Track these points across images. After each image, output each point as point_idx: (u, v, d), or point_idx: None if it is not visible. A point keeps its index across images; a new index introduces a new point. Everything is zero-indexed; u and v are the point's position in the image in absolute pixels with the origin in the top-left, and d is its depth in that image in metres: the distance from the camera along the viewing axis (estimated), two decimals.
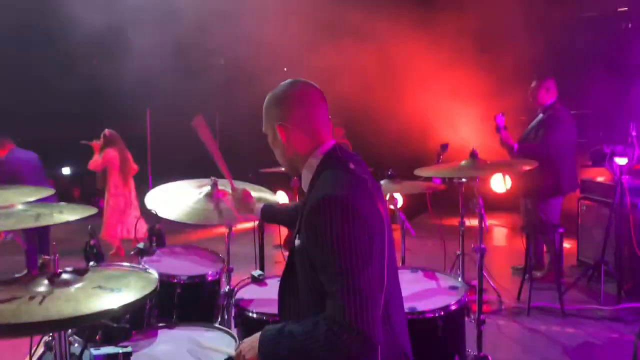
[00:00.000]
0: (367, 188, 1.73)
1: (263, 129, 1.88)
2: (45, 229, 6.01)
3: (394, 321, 1.74)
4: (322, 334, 1.53)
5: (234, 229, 3.02)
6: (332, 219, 1.57)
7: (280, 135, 1.79)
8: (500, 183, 8.34)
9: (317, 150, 1.78)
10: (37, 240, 6.13)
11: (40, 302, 1.61)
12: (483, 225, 3.57)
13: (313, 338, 1.55)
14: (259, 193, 2.96)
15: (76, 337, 2.29)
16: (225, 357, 2.07)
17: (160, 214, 2.77)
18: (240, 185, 2.84)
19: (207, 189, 2.91)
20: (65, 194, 9.75)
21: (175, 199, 2.87)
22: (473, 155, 3.69)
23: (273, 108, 1.82)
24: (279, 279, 2.75)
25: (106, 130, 6.99)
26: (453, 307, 2.51)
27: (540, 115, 5.33)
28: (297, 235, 1.75)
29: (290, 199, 7.55)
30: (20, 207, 2.51)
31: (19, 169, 6.08)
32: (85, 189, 10.45)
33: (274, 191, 3.28)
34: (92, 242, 2.43)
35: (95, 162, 6.81)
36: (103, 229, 6.84)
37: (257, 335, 1.73)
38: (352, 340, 1.50)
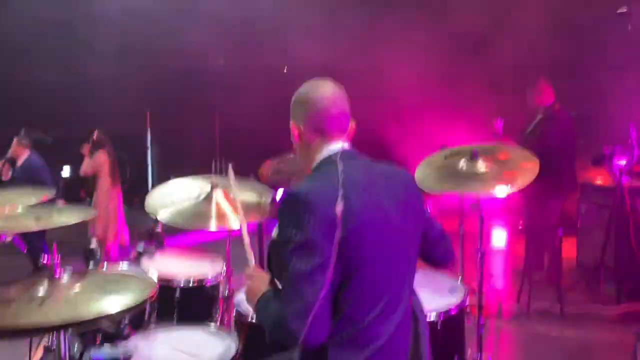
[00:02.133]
0: (337, 189, 1.69)
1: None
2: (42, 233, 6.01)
3: (364, 324, 1.70)
4: (273, 314, 1.67)
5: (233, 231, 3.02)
6: (287, 212, 1.68)
7: (294, 133, 1.87)
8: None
9: (323, 151, 1.81)
10: (32, 241, 6.12)
11: (40, 305, 1.61)
12: (483, 227, 3.56)
13: (268, 313, 1.71)
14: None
15: (76, 339, 2.29)
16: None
17: (159, 218, 2.78)
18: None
19: (207, 190, 2.92)
20: (65, 195, 9.73)
21: (174, 202, 2.87)
22: (473, 156, 3.67)
23: (291, 107, 1.89)
24: None
25: (95, 132, 6.92)
26: (453, 310, 2.51)
27: (539, 117, 5.33)
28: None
29: None
30: (20, 209, 2.51)
31: (41, 172, 6.17)
32: (86, 190, 10.42)
33: (274, 191, 3.28)
34: (92, 245, 2.43)
35: (87, 166, 6.77)
36: (93, 233, 6.80)
37: (264, 282, 1.83)
38: (281, 333, 1.63)
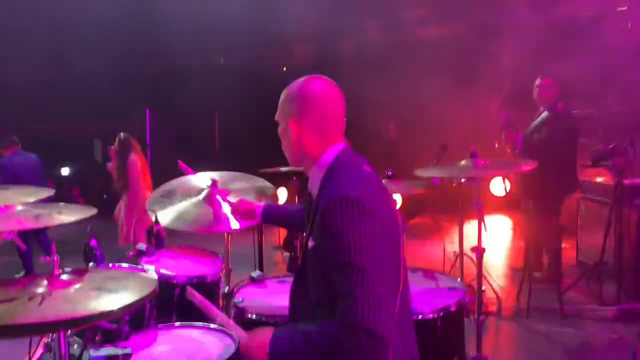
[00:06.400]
0: (382, 188, 1.75)
1: (275, 117, 1.87)
2: (42, 229, 6.05)
3: (404, 323, 1.74)
4: (336, 334, 1.53)
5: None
6: (347, 219, 1.57)
7: (292, 130, 1.79)
8: (499, 185, 8.35)
9: (327, 150, 1.78)
10: (35, 241, 6.18)
11: (40, 303, 1.61)
12: (482, 226, 3.56)
13: (327, 338, 1.55)
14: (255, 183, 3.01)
15: (76, 338, 2.29)
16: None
17: (160, 220, 2.79)
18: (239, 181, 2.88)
19: (207, 190, 2.93)
20: (64, 194, 9.75)
21: (174, 204, 2.89)
22: (472, 155, 3.68)
23: (289, 102, 1.81)
24: (278, 279, 2.77)
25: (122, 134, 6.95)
26: (452, 308, 2.51)
27: (544, 114, 5.33)
28: (310, 237, 1.73)
29: (289, 197, 7.57)
30: (19, 207, 2.51)
31: (19, 171, 6.19)
32: (84, 189, 10.43)
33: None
34: (91, 244, 2.43)
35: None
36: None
37: (267, 331, 1.71)
38: (365, 341, 1.48)
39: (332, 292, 1.58)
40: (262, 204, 2.56)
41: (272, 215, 2.51)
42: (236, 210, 2.61)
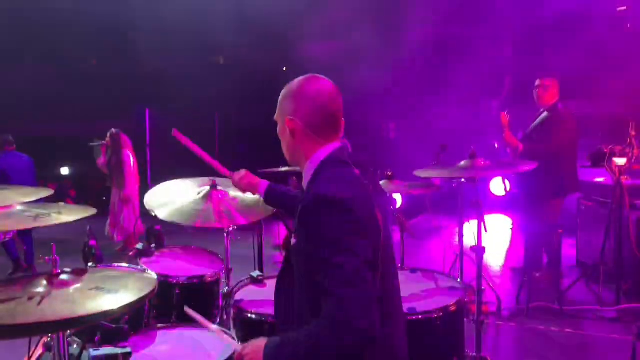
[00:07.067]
0: (367, 191, 1.74)
1: (275, 117, 1.88)
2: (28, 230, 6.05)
3: (392, 324, 1.74)
4: (321, 333, 1.54)
5: (233, 229, 3.02)
6: (324, 217, 1.58)
7: (287, 128, 1.79)
8: (499, 185, 8.37)
9: (321, 149, 1.77)
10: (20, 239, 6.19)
11: (39, 303, 1.61)
12: (482, 226, 3.56)
13: (314, 338, 1.55)
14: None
15: (75, 338, 2.29)
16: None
17: (158, 215, 2.78)
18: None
19: (206, 189, 2.92)
20: (64, 194, 9.74)
21: (173, 200, 2.88)
22: (472, 155, 3.68)
23: (286, 101, 1.82)
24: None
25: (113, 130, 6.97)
26: (452, 308, 2.51)
27: (544, 115, 5.33)
28: (294, 234, 1.74)
29: None
30: (19, 207, 2.50)
31: (8, 171, 6.19)
32: (84, 189, 10.42)
33: None
34: (90, 243, 2.43)
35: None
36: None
37: (260, 344, 1.69)
38: (348, 337, 1.49)
39: (314, 290, 1.59)
40: (266, 182, 2.53)
41: (275, 197, 2.47)
42: (239, 183, 2.55)
